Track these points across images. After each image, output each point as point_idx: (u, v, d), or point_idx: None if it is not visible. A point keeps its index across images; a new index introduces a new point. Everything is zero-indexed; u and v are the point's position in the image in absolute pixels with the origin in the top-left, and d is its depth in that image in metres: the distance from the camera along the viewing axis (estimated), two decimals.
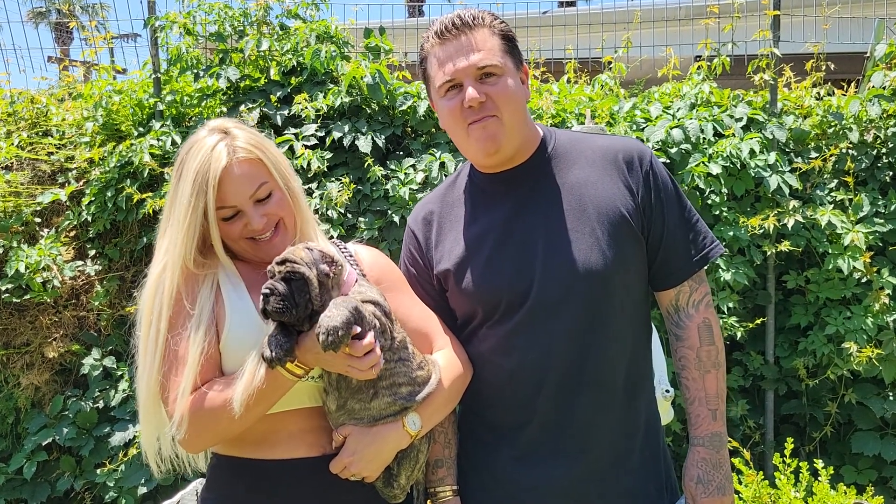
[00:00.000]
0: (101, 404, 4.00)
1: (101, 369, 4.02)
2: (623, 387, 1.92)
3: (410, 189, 3.75)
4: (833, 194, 3.95)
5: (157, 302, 1.78)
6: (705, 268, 1.95)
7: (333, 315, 1.63)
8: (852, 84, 4.46)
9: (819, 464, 3.40)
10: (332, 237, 2.05)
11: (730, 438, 3.49)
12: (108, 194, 4.04)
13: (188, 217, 1.77)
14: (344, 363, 1.70)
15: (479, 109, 1.82)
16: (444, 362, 1.93)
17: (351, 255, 1.98)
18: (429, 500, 1.99)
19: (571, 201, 1.90)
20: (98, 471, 3.89)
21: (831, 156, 3.94)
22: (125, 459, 3.84)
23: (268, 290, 1.67)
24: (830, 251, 3.80)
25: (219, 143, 1.81)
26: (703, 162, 3.74)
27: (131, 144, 4.03)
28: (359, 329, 1.67)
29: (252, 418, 1.74)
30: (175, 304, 1.77)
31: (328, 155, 3.84)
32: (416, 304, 1.98)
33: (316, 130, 3.92)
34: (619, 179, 1.91)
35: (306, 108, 3.83)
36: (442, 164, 3.79)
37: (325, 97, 3.95)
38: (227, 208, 1.81)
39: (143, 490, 3.82)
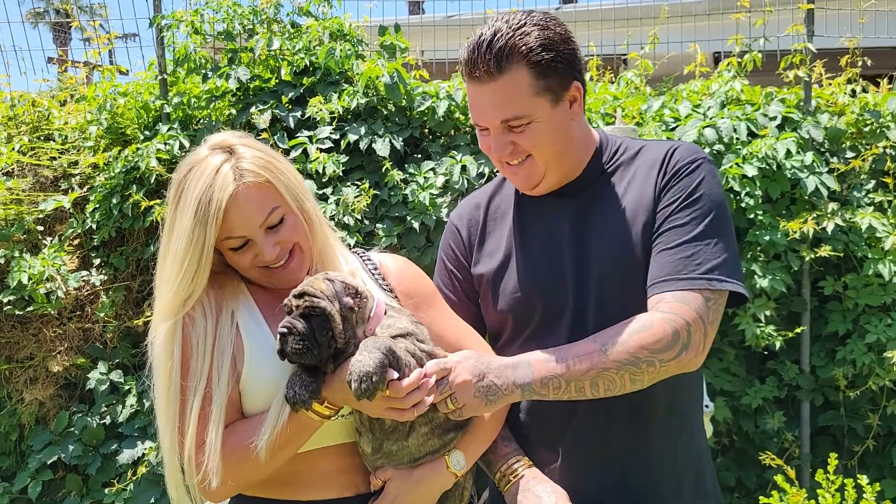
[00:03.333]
0: (108, 420, 3.85)
1: (108, 383, 3.87)
2: (663, 416, 1.76)
3: (430, 194, 3.58)
4: (871, 196, 3.77)
5: (167, 353, 1.61)
6: (704, 299, 1.59)
7: (365, 360, 1.47)
8: (884, 80, 4.29)
9: (863, 480, 3.25)
10: (351, 246, 1.87)
11: (769, 453, 3.36)
12: (114, 201, 3.88)
13: (190, 252, 1.59)
14: (381, 406, 1.54)
15: (508, 157, 1.71)
16: None
17: (375, 267, 1.82)
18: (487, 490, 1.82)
19: (623, 213, 1.73)
20: (106, 490, 3.74)
21: (870, 156, 3.77)
22: (134, 479, 3.68)
23: (285, 329, 1.51)
24: (870, 255, 3.63)
25: (223, 165, 1.62)
26: (737, 163, 3.57)
27: (137, 149, 3.86)
28: (395, 374, 1.51)
29: (279, 462, 1.59)
30: (186, 350, 1.61)
31: (343, 159, 3.67)
32: (450, 319, 1.82)
33: (330, 133, 3.75)
34: (655, 180, 1.73)
35: (321, 110, 3.65)
36: (463, 168, 3.62)
37: (339, 98, 3.78)
38: (234, 238, 1.64)
39: None
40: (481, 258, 1.87)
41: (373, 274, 1.80)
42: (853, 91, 4.02)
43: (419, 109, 3.81)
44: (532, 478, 1.73)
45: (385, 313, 1.65)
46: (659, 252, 1.66)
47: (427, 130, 3.92)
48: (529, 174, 1.73)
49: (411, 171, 3.70)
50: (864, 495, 3.21)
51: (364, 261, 1.84)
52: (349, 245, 1.91)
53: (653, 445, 1.74)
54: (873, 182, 3.82)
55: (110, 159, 3.95)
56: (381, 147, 3.67)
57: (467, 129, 3.87)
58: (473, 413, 1.61)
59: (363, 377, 1.45)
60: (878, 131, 3.82)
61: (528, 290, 1.78)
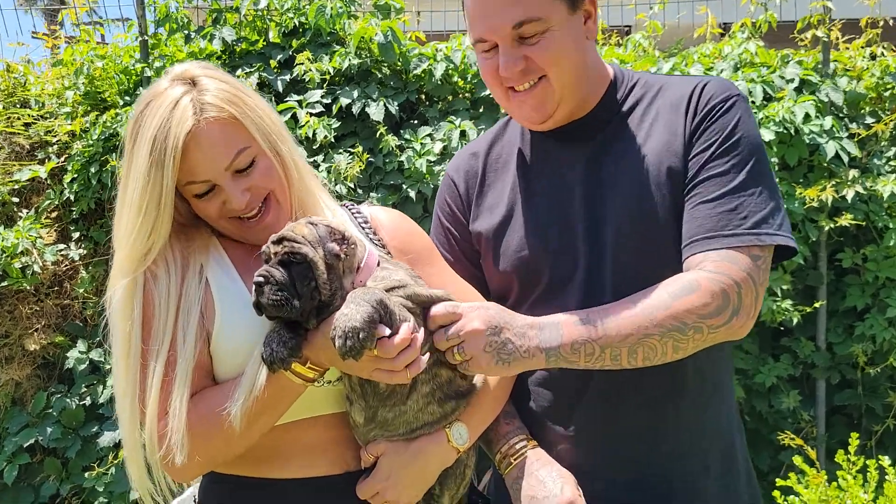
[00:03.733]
0: (87, 401, 3.66)
1: (88, 363, 3.68)
2: (691, 386, 1.56)
3: (428, 161, 3.38)
4: (892, 163, 3.58)
5: (125, 313, 1.42)
6: (752, 257, 1.43)
7: (351, 313, 1.28)
8: None
9: (885, 461, 3.09)
10: (342, 201, 1.67)
11: (788, 433, 3.18)
12: (92, 170, 3.67)
13: (147, 197, 1.40)
14: (370, 367, 1.34)
15: (519, 77, 1.49)
16: None
17: (366, 221, 1.62)
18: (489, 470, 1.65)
19: (641, 157, 1.53)
20: (86, 474, 3.57)
21: (892, 121, 3.57)
22: (115, 462, 3.50)
23: (262, 278, 1.32)
24: (891, 225, 3.44)
25: (182, 97, 1.42)
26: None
27: (116, 115, 3.65)
28: (387, 331, 1.31)
29: (255, 434, 1.39)
30: (147, 310, 1.42)
31: (335, 124, 3.46)
32: (449, 278, 1.62)
33: (321, 97, 3.54)
34: (682, 122, 1.52)
35: (310, 70, 3.44)
36: (462, 133, 3.42)
37: (331, 60, 3.57)
38: (197, 183, 1.44)
39: (134, 495, 3.47)
40: (480, 213, 1.67)
41: (363, 228, 1.62)
42: (872, 55, 3.82)
43: (415, 72, 3.60)
44: (536, 460, 1.54)
45: (378, 265, 1.46)
46: (696, 205, 1.46)
47: (424, 95, 3.71)
48: (542, 101, 1.51)
49: (407, 136, 3.50)
50: (887, 477, 3.05)
51: (353, 214, 1.64)
52: (341, 199, 1.71)
53: (678, 420, 1.54)
54: (895, 149, 3.62)
55: (88, 126, 3.74)
56: (376, 111, 3.46)
57: (466, 93, 3.67)
58: (481, 371, 1.42)
59: (348, 333, 1.26)
60: None
61: (534, 250, 1.58)
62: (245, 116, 1.45)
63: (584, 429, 1.56)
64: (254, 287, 1.33)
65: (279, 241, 1.36)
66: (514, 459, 1.54)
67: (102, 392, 3.62)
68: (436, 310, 1.41)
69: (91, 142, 3.68)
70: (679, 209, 1.49)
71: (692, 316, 1.38)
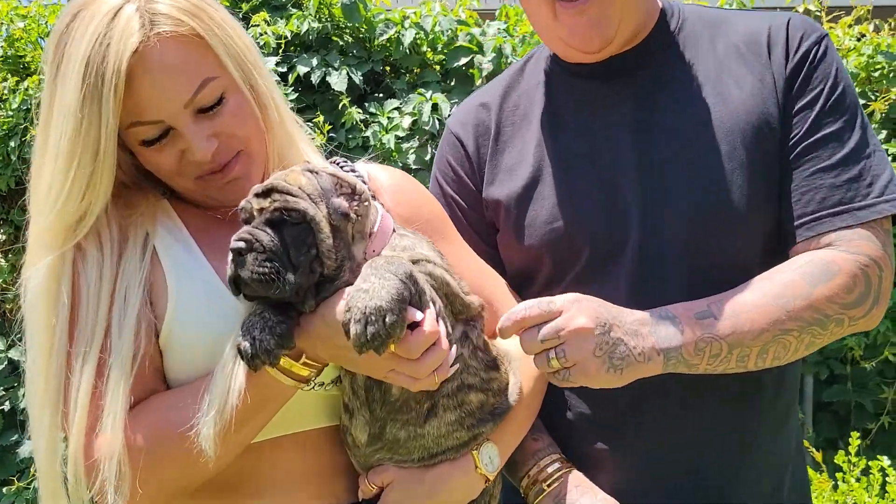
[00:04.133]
0: (6, 406, 3.38)
1: (7, 363, 3.39)
2: (770, 396, 1.30)
3: (396, 136, 3.08)
4: (884, 147, 3.41)
5: (47, 300, 1.08)
6: (885, 231, 1.23)
7: (374, 289, 0.95)
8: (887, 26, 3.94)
9: (885, 461, 2.92)
10: (334, 157, 1.34)
11: None
12: (12, 144, 3.31)
13: (80, 142, 1.05)
14: (387, 364, 1.02)
15: None
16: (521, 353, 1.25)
17: (364, 182, 1.29)
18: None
19: (698, 106, 1.26)
20: (3, 490, 3.26)
21: (883, 101, 3.40)
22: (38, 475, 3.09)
23: (242, 242, 0.99)
24: None
25: (125, 5, 1.06)
26: None
27: (40, 81, 3.23)
28: (419, 315, 0.99)
29: (229, 455, 1.06)
30: (75, 297, 1.08)
31: (293, 94, 3.12)
32: (467, 257, 1.32)
33: (277, 64, 3.20)
34: (759, 69, 1.27)
35: (265, 33, 3.10)
36: (434, 107, 3.12)
37: (287, 23, 3.23)
38: (146, 125, 1.09)
39: None
40: (497, 176, 1.37)
41: None
42: (860, 34, 3.65)
43: (381, 40, 3.28)
44: (575, 486, 1.24)
45: (394, 231, 1.14)
46: (814, 172, 1.21)
47: (390, 66, 3.40)
48: (601, 18, 1.22)
49: (372, 110, 3.19)
50: (888, 479, 2.87)
51: (346, 171, 1.31)
52: (327, 155, 1.38)
53: (759, 435, 1.27)
54: (885, 132, 3.46)
55: (6, 93, 3.35)
56: (338, 81, 3.14)
57: (437, 64, 3.36)
58: (587, 380, 1.12)
59: (370, 315, 0.94)
60: (891, 75, 3.45)
61: (570, 219, 1.28)
62: (211, 34, 1.10)
63: (638, 444, 1.26)
64: (230, 255, 0.99)
65: (266, 193, 1.03)
66: (548, 486, 1.23)
67: (23, 396, 3.23)
68: (526, 306, 1.10)
69: (10, 112, 3.31)
70: (767, 169, 1.22)
71: (834, 306, 1.15)
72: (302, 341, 1.04)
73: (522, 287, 1.37)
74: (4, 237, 3.44)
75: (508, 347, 1.25)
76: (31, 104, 3.26)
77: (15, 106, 3.28)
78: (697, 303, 1.16)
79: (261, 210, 1.01)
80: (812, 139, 1.22)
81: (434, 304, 1.03)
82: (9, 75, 3.47)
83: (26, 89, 3.28)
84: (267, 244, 0.99)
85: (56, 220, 1.08)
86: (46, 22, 3.52)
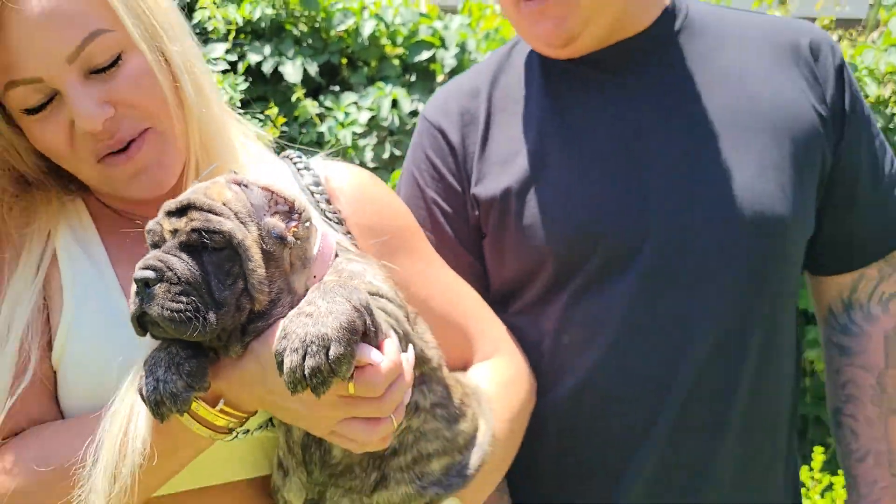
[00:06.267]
0: None
1: None
2: (786, 431, 1.22)
3: (353, 132, 2.92)
4: None
5: None
6: None
7: (319, 312, 0.79)
8: (856, 30, 3.95)
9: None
10: (288, 151, 1.19)
11: None
12: None
13: None
14: (334, 413, 0.85)
15: None
16: (496, 389, 1.11)
17: (317, 183, 1.13)
18: None
19: (726, 97, 1.15)
20: None
21: None
22: None
23: (150, 271, 0.81)
24: None
25: None
26: None
27: None
28: (375, 355, 0.82)
29: None
30: None
31: (243, 85, 2.92)
32: (440, 271, 1.16)
33: (227, 52, 3.00)
34: (800, 75, 1.19)
35: (213, 17, 2.91)
36: (395, 103, 2.96)
37: (238, 7, 3.04)
38: (24, 84, 0.92)
39: None
40: (488, 171, 1.22)
41: (311, 193, 1.12)
42: None
43: (339, 30, 3.11)
44: None
45: (336, 255, 0.97)
46: (855, 190, 1.22)
47: (347, 58, 3.23)
48: (563, 14, 1.11)
49: (328, 104, 3.01)
50: None
51: (299, 170, 1.15)
52: (278, 150, 1.22)
53: (778, 471, 1.17)
54: None
55: None
56: (292, 72, 2.96)
57: (397, 57, 3.20)
58: None
59: (312, 344, 0.76)
60: None
61: (579, 215, 1.15)
62: None
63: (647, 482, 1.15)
64: (134, 287, 0.81)
65: (181, 211, 0.86)
66: None
67: None
68: None
69: None
70: (813, 173, 1.16)
71: None
72: (221, 382, 0.86)
73: (510, 301, 1.23)
74: None
75: (481, 376, 1.11)
76: None
77: None
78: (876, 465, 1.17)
79: (174, 231, 0.84)
80: (868, 162, 1.21)
81: (392, 337, 0.87)
82: None
83: None
84: (182, 274, 0.81)
85: None
86: None
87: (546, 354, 1.16)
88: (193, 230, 0.83)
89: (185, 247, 0.84)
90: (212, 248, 0.83)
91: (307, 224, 0.91)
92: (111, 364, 0.89)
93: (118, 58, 0.96)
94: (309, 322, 0.78)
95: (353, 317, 0.79)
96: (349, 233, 1.10)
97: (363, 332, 0.81)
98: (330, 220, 1.09)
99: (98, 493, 0.82)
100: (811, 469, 2.84)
